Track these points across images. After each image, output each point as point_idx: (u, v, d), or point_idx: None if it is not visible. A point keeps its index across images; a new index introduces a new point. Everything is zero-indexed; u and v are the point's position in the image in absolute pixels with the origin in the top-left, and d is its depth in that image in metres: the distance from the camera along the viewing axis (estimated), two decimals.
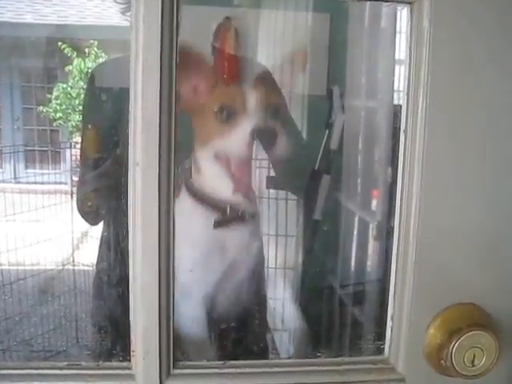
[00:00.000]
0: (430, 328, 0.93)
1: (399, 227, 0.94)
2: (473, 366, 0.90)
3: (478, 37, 0.88)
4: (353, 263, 1.91)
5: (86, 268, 2.77)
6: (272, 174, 1.64)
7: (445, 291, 0.93)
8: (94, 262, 1.45)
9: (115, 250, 1.28)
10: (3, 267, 2.82)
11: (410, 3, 0.90)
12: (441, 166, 0.90)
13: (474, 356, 0.89)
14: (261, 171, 1.67)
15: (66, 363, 0.93)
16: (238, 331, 1.35)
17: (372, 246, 1.89)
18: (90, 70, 2.91)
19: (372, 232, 1.91)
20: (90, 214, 1.41)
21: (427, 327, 0.94)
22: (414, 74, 0.89)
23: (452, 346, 0.89)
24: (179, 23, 0.85)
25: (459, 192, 0.91)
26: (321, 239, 1.69)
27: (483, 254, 0.93)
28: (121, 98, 0.92)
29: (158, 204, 0.86)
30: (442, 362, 0.91)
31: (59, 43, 2.87)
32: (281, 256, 1.85)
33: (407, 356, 0.95)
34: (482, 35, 0.88)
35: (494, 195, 0.92)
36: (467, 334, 0.89)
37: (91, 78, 1.51)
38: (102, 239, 1.41)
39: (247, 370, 0.95)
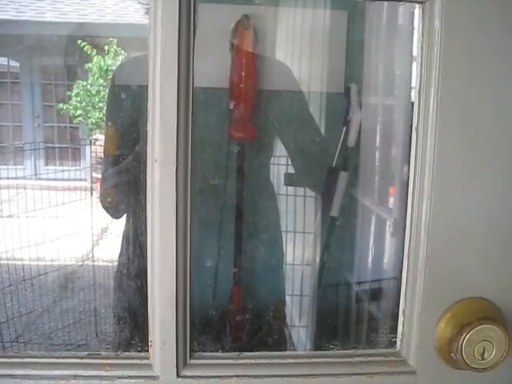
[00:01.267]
0: (440, 322, 0.95)
1: (411, 223, 0.95)
2: (483, 359, 0.91)
3: (489, 37, 0.89)
4: (369, 260, 1.92)
5: (105, 263, 2.81)
6: (290, 170, 1.66)
7: (455, 286, 0.95)
8: (114, 257, 1.48)
9: (134, 244, 1.31)
10: (24, 262, 2.87)
11: (421, 2, 0.91)
12: (452, 163, 0.92)
13: (484, 349, 0.91)
14: (279, 168, 1.69)
15: (86, 353, 0.96)
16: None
17: (388, 243, 1.90)
18: (110, 68, 2.95)
19: (389, 229, 1.91)
20: (110, 209, 1.45)
21: (438, 321, 0.95)
22: (425, 72, 0.91)
23: (462, 339, 0.90)
24: (196, 25, 0.87)
25: (470, 189, 0.92)
26: (337, 236, 1.70)
27: (493, 250, 0.95)
28: (142, 96, 0.95)
29: (175, 199, 0.88)
30: (453, 355, 0.92)
31: (79, 41, 2.90)
32: (299, 253, 1.86)
33: (418, 349, 0.97)
34: (493, 35, 0.90)
35: (504, 192, 0.93)
36: (477, 328, 0.90)
37: (113, 77, 1.53)
38: (123, 234, 1.45)
39: (262, 360, 0.97)
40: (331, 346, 1.04)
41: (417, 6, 0.93)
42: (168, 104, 0.86)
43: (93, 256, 3.01)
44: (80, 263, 3.02)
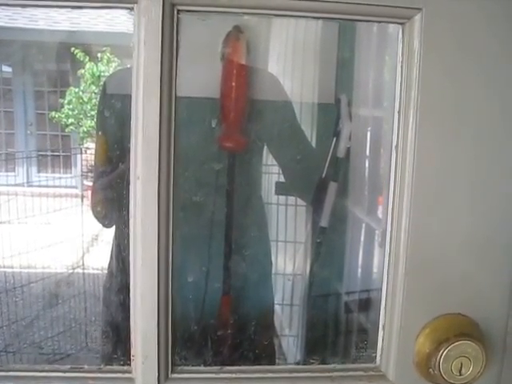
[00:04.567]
0: (419, 337, 0.96)
1: (390, 240, 0.97)
2: (460, 374, 0.92)
3: (469, 58, 0.91)
4: (358, 270, 1.93)
5: (95, 271, 2.81)
6: (281, 179, 1.67)
7: (434, 302, 0.96)
8: (104, 264, 1.49)
9: (118, 258, 1.31)
10: (14, 270, 2.87)
11: (401, 24, 0.92)
12: (430, 182, 0.93)
13: (462, 365, 0.92)
14: (270, 177, 1.70)
15: (69, 366, 0.97)
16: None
17: (377, 254, 1.91)
18: (103, 75, 2.95)
19: (378, 239, 1.92)
20: (99, 219, 1.46)
21: (417, 336, 0.96)
22: (404, 93, 0.92)
23: (440, 355, 0.92)
24: (179, 45, 0.88)
25: (447, 206, 0.94)
26: (326, 246, 1.71)
27: (471, 266, 0.96)
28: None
29: (157, 217, 0.90)
30: (431, 370, 0.93)
31: (72, 48, 2.91)
32: (289, 262, 1.87)
33: (397, 364, 0.98)
34: (473, 56, 0.91)
35: (480, 209, 0.95)
36: (454, 344, 0.91)
37: (104, 86, 1.54)
38: (111, 248, 1.45)
39: (242, 375, 0.98)
40: (311, 361, 1.05)
41: (397, 26, 0.94)
42: (150, 122, 0.87)
43: (83, 264, 3.01)
44: (70, 271, 3.02)
